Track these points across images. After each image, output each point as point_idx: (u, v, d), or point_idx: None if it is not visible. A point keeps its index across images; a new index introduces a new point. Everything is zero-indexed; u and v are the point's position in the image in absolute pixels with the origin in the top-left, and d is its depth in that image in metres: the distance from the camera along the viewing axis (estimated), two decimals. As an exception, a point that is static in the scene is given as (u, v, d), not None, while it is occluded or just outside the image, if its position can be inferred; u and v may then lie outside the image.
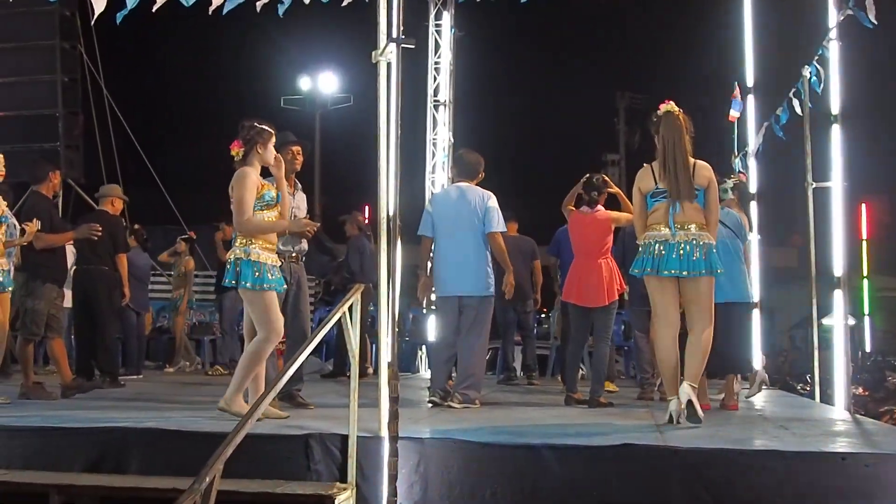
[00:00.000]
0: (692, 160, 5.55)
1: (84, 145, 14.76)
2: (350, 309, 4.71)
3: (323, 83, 28.12)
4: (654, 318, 5.68)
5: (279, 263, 5.76)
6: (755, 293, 8.01)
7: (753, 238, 8.88)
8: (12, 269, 6.91)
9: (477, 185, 6.93)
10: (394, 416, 4.34)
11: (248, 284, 5.50)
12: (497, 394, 7.98)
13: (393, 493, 4.32)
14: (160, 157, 16.48)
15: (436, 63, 12.52)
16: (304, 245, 6.48)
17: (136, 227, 11.10)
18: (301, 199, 6.58)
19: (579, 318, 6.95)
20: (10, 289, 6.67)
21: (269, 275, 5.58)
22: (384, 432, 4.48)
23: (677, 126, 5.56)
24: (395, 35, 4.58)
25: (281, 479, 4.53)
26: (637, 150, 27.95)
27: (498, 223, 6.78)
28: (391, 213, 4.60)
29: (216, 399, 6.16)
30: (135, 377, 9.48)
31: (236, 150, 5.67)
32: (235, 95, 26.19)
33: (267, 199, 5.68)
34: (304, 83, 28.20)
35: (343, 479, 4.58)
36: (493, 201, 6.82)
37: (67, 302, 9.60)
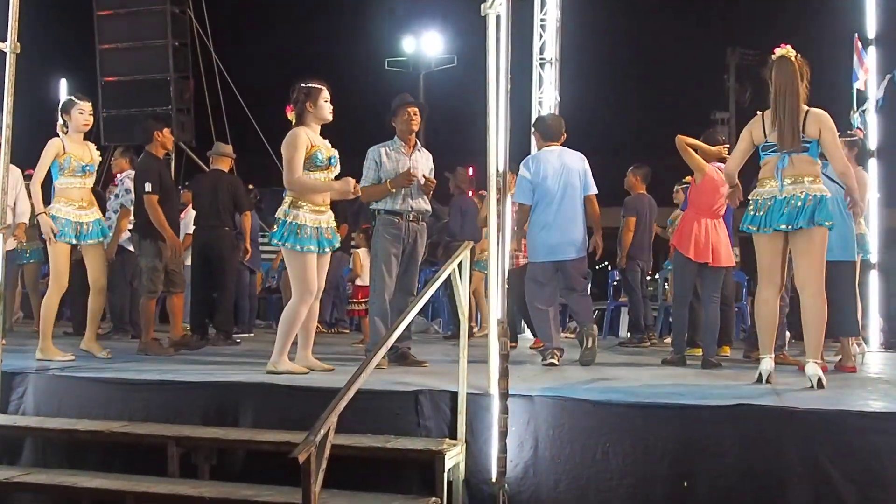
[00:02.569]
0: (805, 108, 5.30)
1: (194, 109, 15.14)
2: (459, 266, 4.68)
3: (427, 44, 28.00)
4: (760, 276, 5.49)
5: (326, 226, 5.82)
6: (873, 254, 7.69)
7: (872, 196, 8.50)
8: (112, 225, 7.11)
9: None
10: (504, 374, 4.32)
11: (286, 244, 5.64)
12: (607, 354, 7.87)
13: (503, 449, 4.32)
14: (268, 120, 16.73)
15: (542, 20, 12.27)
16: (425, 205, 6.48)
17: (250, 187, 11.29)
18: (422, 159, 6.58)
19: (689, 273, 6.75)
20: (97, 240, 6.69)
21: (304, 237, 5.67)
22: (494, 389, 4.45)
23: (791, 71, 5.30)
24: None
25: (391, 435, 4.58)
26: (748, 107, 27.03)
27: (594, 186, 6.79)
28: (500, 170, 4.52)
29: (325, 356, 6.31)
30: (247, 335, 9.71)
31: (290, 115, 5.81)
32: (340, 58, 26.40)
33: (319, 160, 5.75)
34: (408, 44, 28.13)
35: (453, 436, 4.59)
36: (587, 163, 6.82)
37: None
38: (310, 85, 5.81)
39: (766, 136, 5.37)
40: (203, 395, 5.07)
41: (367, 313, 8.59)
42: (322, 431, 3.25)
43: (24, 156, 7.00)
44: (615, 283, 11.07)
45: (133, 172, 8.12)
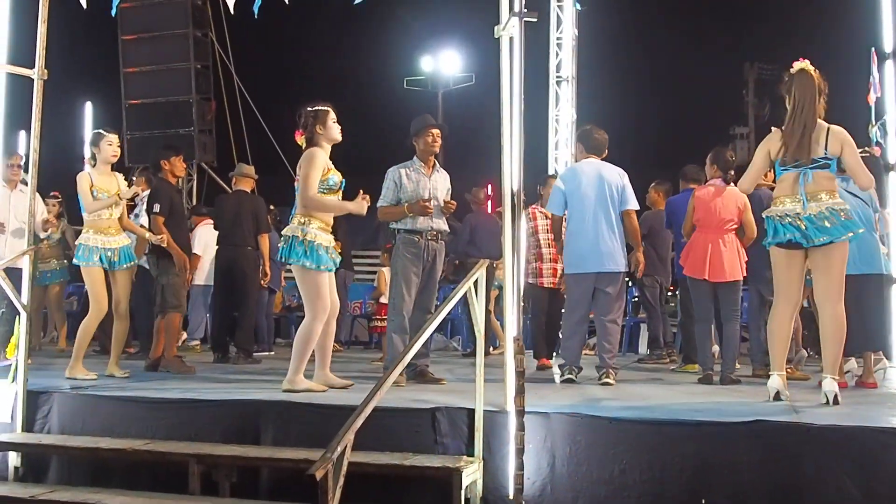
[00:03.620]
0: (825, 124, 5.30)
1: (216, 130, 15.36)
2: (475, 285, 4.72)
3: (445, 63, 28.12)
4: (776, 292, 5.50)
5: (332, 244, 5.88)
6: (893, 267, 7.66)
7: (894, 210, 8.48)
8: (134, 245, 7.26)
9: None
10: (520, 391, 4.34)
11: (299, 262, 5.69)
12: (626, 371, 7.88)
13: (520, 466, 4.33)
14: (289, 140, 16.92)
15: (558, 38, 12.39)
16: (444, 224, 6.55)
17: (271, 208, 11.42)
18: (441, 179, 6.66)
19: (705, 294, 6.77)
20: (126, 265, 6.85)
21: (321, 255, 5.72)
22: (510, 407, 4.48)
23: (810, 85, 5.31)
24: (516, 9, 4.53)
25: (408, 452, 4.61)
26: (766, 122, 26.98)
27: (633, 201, 6.77)
28: (515, 189, 4.57)
29: (345, 373, 6.37)
30: (267, 353, 9.79)
31: (300, 139, 5.91)
32: (359, 78, 26.56)
33: (331, 183, 5.83)
34: (427, 63, 28.27)
35: (470, 453, 4.61)
36: (627, 178, 6.79)
37: (199, 279, 10.00)
38: (317, 108, 5.89)
39: (786, 151, 5.34)
40: (224, 413, 5.13)
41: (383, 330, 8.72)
42: (339, 449, 3.29)
43: (51, 177, 7.14)
44: (634, 298, 11.07)
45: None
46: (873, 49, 9.40)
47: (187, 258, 7.55)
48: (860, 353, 6.57)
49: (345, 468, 3.40)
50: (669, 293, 10.37)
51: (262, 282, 9.18)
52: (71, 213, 9.66)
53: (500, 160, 4.76)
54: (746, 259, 6.78)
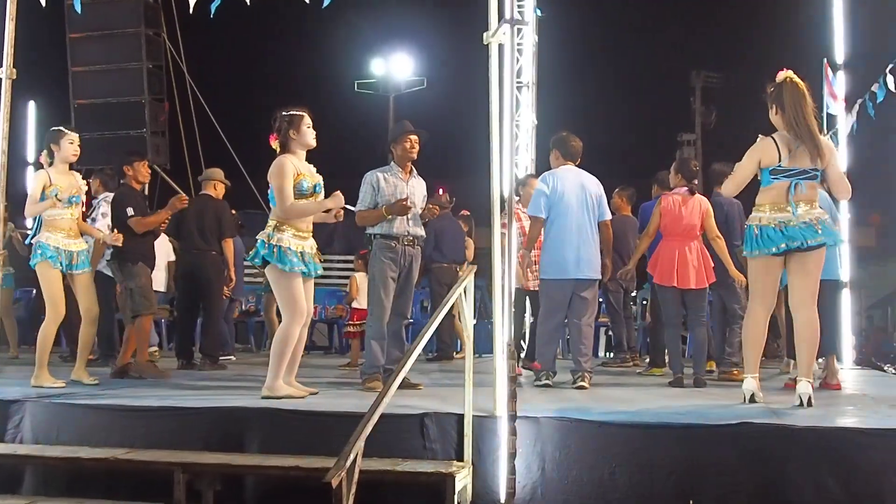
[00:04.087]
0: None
1: (168, 132, 15.08)
2: (465, 290, 4.73)
3: (396, 66, 28.08)
4: (752, 296, 5.60)
5: (311, 251, 5.86)
6: (846, 272, 7.88)
7: (843, 217, 8.73)
8: (90, 251, 7.07)
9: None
10: (512, 396, 4.36)
11: (275, 265, 5.66)
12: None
13: (512, 471, 4.35)
14: (242, 143, 16.71)
15: (518, 45, 12.40)
16: (420, 230, 6.54)
17: (233, 212, 11.28)
18: (418, 185, 6.67)
19: (674, 300, 6.90)
20: (86, 270, 6.69)
21: (290, 259, 5.70)
22: (501, 411, 4.50)
23: (802, 94, 5.35)
24: (507, 16, 4.55)
25: (397, 458, 4.60)
26: (713, 129, 27.49)
27: (608, 211, 6.95)
28: (506, 195, 4.60)
29: (325, 379, 6.33)
30: (229, 358, 9.66)
31: (274, 144, 5.86)
32: (311, 81, 26.42)
33: (304, 188, 5.80)
34: (378, 66, 28.21)
35: (459, 458, 4.63)
36: (602, 188, 6.92)
37: (158, 285, 9.83)
38: (291, 112, 5.84)
39: (780, 160, 5.33)
40: (206, 420, 5.06)
41: (361, 335, 8.67)
42: (351, 456, 3.27)
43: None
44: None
45: (109, 195, 8.13)
46: (825, 60, 9.64)
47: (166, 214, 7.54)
48: (823, 355, 6.73)
49: (356, 475, 3.39)
50: (634, 297, 10.50)
51: (227, 287, 9.06)
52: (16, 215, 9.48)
53: (469, 163, 4.79)
54: (713, 265, 6.90)
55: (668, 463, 4.39)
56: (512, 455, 4.34)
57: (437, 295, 9.78)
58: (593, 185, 6.83)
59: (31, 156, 15.66)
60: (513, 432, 4.36)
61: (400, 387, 6.15)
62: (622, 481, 4.41)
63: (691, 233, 6.88)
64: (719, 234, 6.92)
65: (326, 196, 5.93)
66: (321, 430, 4.94)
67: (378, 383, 6.24)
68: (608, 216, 6.89)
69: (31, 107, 16.40)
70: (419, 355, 10.22)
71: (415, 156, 6.56)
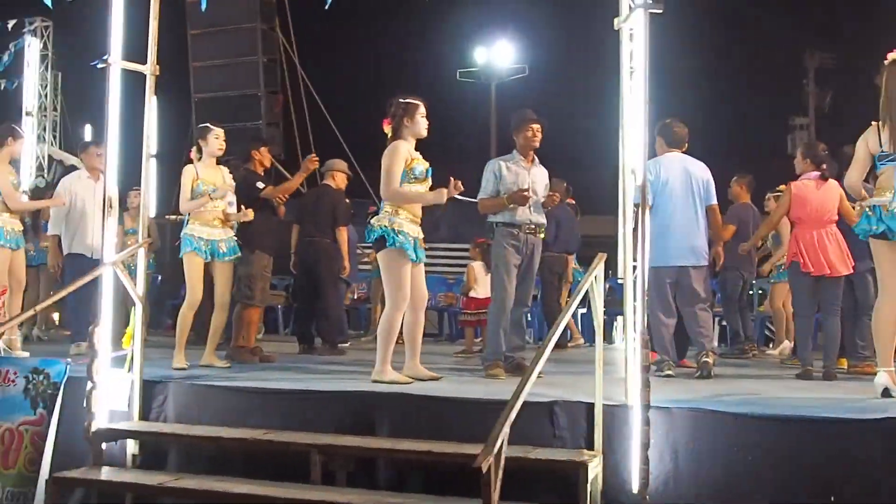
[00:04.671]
0: None
1: (283, 123, 15.49)
2: (595, 278, 4.72)
3: (498, 54, 28.05)
4: (880, 286, 5.44)
5: (420, 237, 5.94)
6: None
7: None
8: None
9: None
10: (646, 385, 4.34)
11: (388, 249, 5.76)
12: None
13: (645, 461, 4.32)
14: (352, 133, 17.00)
15: (630, 28, 12.25)
16: (542, 218, 6.56)
17: (347, 201, 11.47)
18: (540, 174, 6.68)
19: (807, 289, 6.71)
20: (230, 258, 6.94)
21: (410, 245, 5.78)
22: (633, 401, 4.47)
23: None
24: (640, 1, 4.50)
25: (528, 446, 4.62)
26: (828, 112, 26.49)
27: (715, 196, 6.79)
28: (639, 182, 4.57)
29: (441, 365, 6.41)
30: (345, 345, 9.85)
31: (387, 128, 5.95)
32: (414, 70, 26.59)
33: (417, 172, 5.88)
34: (480, 55, 28.23)
35: (589, 447, 4.62)
36: (709, 173, 6.81)
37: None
38: (408, 100, 5.96)
39: (881, 146, 5.28)
40: (338, 404, 5.19)
41: (477, 324, 8.76)
42: (499, 441, 3.32)
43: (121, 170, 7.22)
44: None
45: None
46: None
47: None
48: None
49: (503, 461, 3.43)
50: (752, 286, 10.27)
51: (343, 273, 9.23)
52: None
53: (620, 154, 4.76)
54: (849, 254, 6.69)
55: (807, 458, 4.27)
56: (646, 445, 4.31)
57: (548, 283, 9.77)
58: (699, 169, 6.73)
59: (153, 149, 16.29)
60: (646, 422, 4.33)
61: (518, 375, 6.31)
62: (759, 475, 4.31)
63: (826, 219, 6.69)
64: (854, 219, 6.66)
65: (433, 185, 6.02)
66: (448, 415, 5.02)
67: (500, 370, 6.29)
68: (715, 200, 6.77)
69: (153, 102, 17.00)
70: (529, 344, 10.33)
71: (537, 144, 6.57)
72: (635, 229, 4.65)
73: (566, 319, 4.59)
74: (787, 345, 9.45)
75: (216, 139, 6.86)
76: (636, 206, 6.68)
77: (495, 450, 3.29)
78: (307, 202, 9.00)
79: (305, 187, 14.72)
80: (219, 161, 7.04)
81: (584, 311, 11.75)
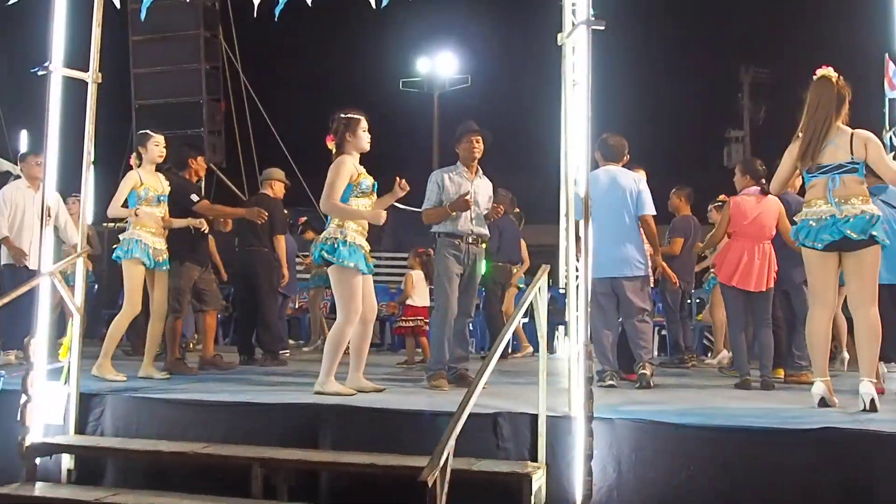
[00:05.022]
0: (848, 130, 5.34)
1: (225, 130, 15.29)
2: (540, 289, 4.74)
3: (441, 64, 28.13)
4: (812, 297, 5.57)
5: (368, 249, 5.94)
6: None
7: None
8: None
9: (623, 167, 6.95)
10: (589, 396, 4.36)
11: (340, 262, 5.75)
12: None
13: (588, 472, 4.33)
14: (294, 141, 16.87)
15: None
16: (483, 229, 6.59)
17: (285, 211, 11.38)
18: (483, 185, 6.71)
19: (737, 300, 6.85)
20: (165, 268, 6.89)
21: (361, 256, 5.81)
22: (576, 412, 4.49)
23: (828, 91, 5.36)
24: (583, 18, 4.55)
25: (471, 457, 4.61)
26: (762, 125, 27.06)
27: (650, 206, 6.81)
28: (584, 193, 4.60)
29: (383, 376, 6.39)
30: (284, 353, 9.74)
31: (330, 144, 5.95)
32: (356, 79, 26.53)
33: (364, 187, 5.91)
34: (423, 65, 28.29)
35: (533, 459, 4.64)
36: (643, 184, 6.86)
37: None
38: (349, 115, 5.96)
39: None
40: (280, 416, 5.14)
41: (413, 331, 8.75)
42: (445, 454, 3.31)
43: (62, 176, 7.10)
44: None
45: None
46: (887, 54, 9.47)
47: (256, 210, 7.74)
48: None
49: (448, 474, 3.42)
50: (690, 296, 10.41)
51: (281, 283, 9.14)
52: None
53: (562, 166, 4.80)
54: (776, 268, 6.84)
55: (748, 467, 4.33)
56: (589, 456, 4.32)
57: (491, 293, 9.82)
58: (630, 181, 6.78)
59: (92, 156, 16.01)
60: (590, 433, 4.35)
61: (464, 385, 6.31)
62: (701, 485, 4.36)
63: (763, 234, 6.82)
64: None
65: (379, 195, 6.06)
66: (392, 427, 5.00)
67: (444, 381, 6.29)
68: (647, 211, 6.77)
69: (93, 109, 16.71)
70: (472, 354, 10.35)
71: (478, 155, 6.60)
72: (577, 240, 4.69)
73: (511, 331, 4.59)
74: (724, 354, 9.62)
75: (156, 146, 6.79)
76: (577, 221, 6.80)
77: (441, 463, 3.28)
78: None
79: (247, 195, 14.64)
80: (157, 168, 6.95)
81: (526, 320, 11.91)
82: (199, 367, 7.52)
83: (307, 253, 12.61)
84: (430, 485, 3.19)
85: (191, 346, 9.75)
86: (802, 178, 5.63)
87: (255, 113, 16.03)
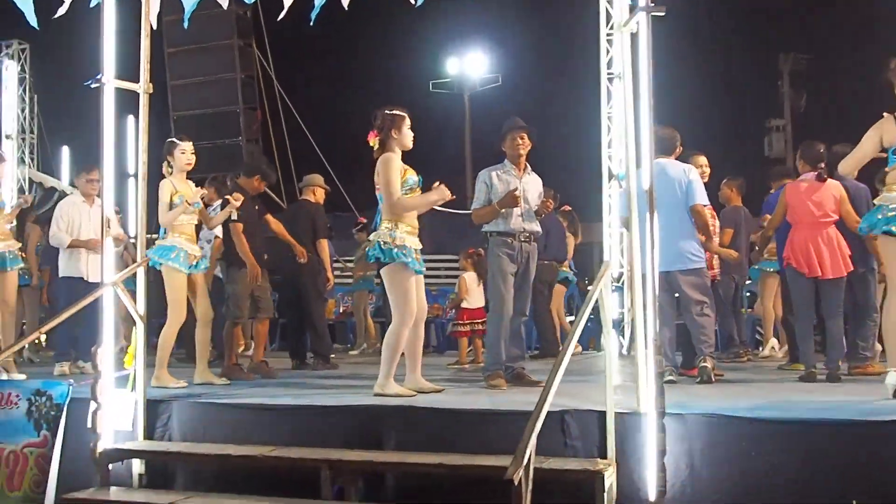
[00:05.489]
0: None
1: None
2: (604, 287, 4.70)
3: (470, 64, 28.11)
4: (889, 285, 5.46)
5: (419, 247, 5.91)
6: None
7: None
8: (208, 254, 7.44)
9: (676, 159, 6.84)
10: (660, 392, 4.30)
11: (392, 265, 5.74)
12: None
13: (662, 468, 4.28)
14: (329, 146, 16.93)
15: (608, 35, 12.28)
16: (536, 226, 6.54)
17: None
18: (532, 182, 6.65)
19: (806, 290, 6.73)
20: (204, 271, 6.93)
21: (412, 258, 5.77)
22: (647, 408, 4.44)
23: None
24: (642, 4, 4.49)
25: (540, 456, 4.57)
26: (803, 113, 26.68)
27: (700, 195, 6.68)
28: (646, 187, 4.55)
29: (437, 377, 6.38)
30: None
31: (373, 140, 5.91)
32: (386, 81, 26.60)
33: (410, 183, 5.87)
34: (453, 65, 28.28)
35: (602, 456, 4.59)
36: (694, 174, 6.74)
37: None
38: (394, 112, 5.93)
39: None
40: (344, 418, 5.13)
41: (471, 334, 8.72)
42: (528, 453, 3.29)
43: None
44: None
45: (222, 202, 8.30)
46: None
47: (258, 267, 7.52)
48: None
49: (532, 472, 3.39)
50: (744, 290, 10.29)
51: (327, 285, 9.16)
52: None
53: (626, 159, 4.75)
54: (850, 253, 6.70)
55: (828, 460, 4.24)
56: (662, 452, 4.25)
57: (537, 292, 9.72)
58: (677, 171, 6.66)
59: (131, 168, 16.21)
60: (662, 429, 4.29)
61: (523, 384, 6.29)
62: (778, 480, 4.27)
63: (824, 220, 6.67)
64: (858, 219, 6.54)
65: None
66: (456, 427, 4.97)
67: (501, 380, 6.26)
68: (698, 200, 6.63)
69: (130, 121, 16.91)
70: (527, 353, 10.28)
71: (523, 152, 6.55)
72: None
73: (580, 328, 4.54)
74: (774, 342, 9.50)
75: (182, 154, 6.78)
76: (624, 218, 6.72)
77: (524, 461, 3.25)
78: (286, 218, 8.95)
79: (285, 202, 14.70)
80: (197, 178, 7.01)
81: (572, 318, 11.84)
82: (249, 372, 7.53)
83: (349, 258, 12.69)
84: (515, 483, 3.16)
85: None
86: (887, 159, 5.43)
87: (290, 119, 16.14)
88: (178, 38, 14.39)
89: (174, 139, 6.94)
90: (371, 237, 5.94)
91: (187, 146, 6.85)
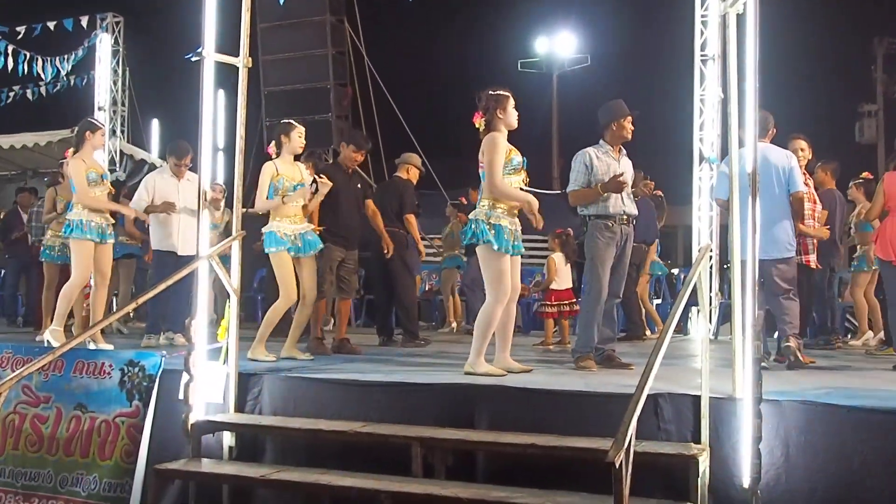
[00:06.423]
0: None
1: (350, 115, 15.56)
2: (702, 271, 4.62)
3: (560, 44, 27.85)
4: None
5: (518, 228, 5.88)
6: None
7: None
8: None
9: (771, 141, 6.69)
10: (758, 378, 4.22)
11: (486, 243, 5.71)
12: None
13: (756, 455, 4.21)
14: (417, 124, 16.98)
15: (703, 16, 12.01)
16: (634, 208, 6.47)
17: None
18: (627, 165, 6.57)
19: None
20: (312, 252, 6.92)
21: (506, 238, 5.74)
22: (743, 393, 4.36)
23: None
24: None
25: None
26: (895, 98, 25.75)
27: (800, 183, 6.55)
28: (750, 170, 4.45)
29: (523, 357, 6.37)
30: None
31: (479, 121, 5.87)
32: (475, 62, 26.57)
33: (515, 163, 5.85)
34: (541, 45, 28.06)
35: (696, 440, 4.53)
36: (794, 160, 6.60)
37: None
38: (499, 92, 5.90)
39: None
40: (435, 396, 5.16)
41: (559, 315, 8.69)
42: (629, 435, 3.26)
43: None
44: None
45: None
46: None
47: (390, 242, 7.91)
48: None
49: (632, 455, 3.37)
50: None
51: (417, 262, 9.17)
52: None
53: (728, 141, 4.65)
54: None
55: (929, 453, 4.13)
56: (757, 439, 4.19)
57: (626, 274, 9.62)
58: (781, 158, 6.54)
59: (221, 142, 16.53)
60: (758, 415, 4.21)
61: (613, 366, 6.24)
62: (875, 471, 4.17)
63: None
64: None
65: None
66: (548, 408, 4.95)
67: (591, 362, 6.22)
68: (799, 187, 6.53)
69: (221, 95, 17.22)
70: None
71: (630, 137, 6.46)
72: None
73: (679, 311, 4.47)
74: (870, 335, 9.22)
75: (299, 137, 6.85)
76: (722, 200, 6.58)
77: (625, 444, 3.23)
78: (376, 194, 8.99)
79: (373, 179, 14.82)
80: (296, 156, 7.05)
81: (658, 301, 11.69)
82: (332, 349, 7.63)
83: (436, 235, 12.71)
84: (616, 465, 3.15)
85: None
86: None
87: (380, 97, 16.21)
88: (270, 13, 14.57)
89: (291, 121, 6.98)
90: (471, 215, 5.95)
91: (303, 130, 6.95)
